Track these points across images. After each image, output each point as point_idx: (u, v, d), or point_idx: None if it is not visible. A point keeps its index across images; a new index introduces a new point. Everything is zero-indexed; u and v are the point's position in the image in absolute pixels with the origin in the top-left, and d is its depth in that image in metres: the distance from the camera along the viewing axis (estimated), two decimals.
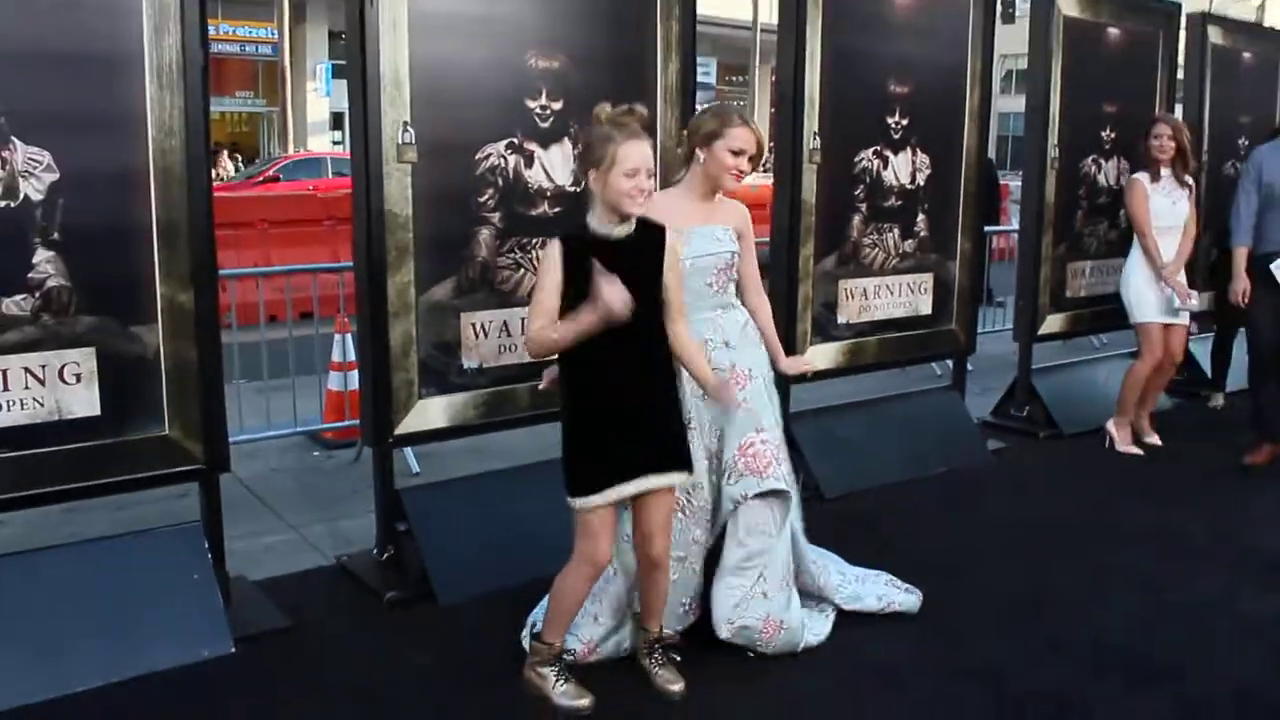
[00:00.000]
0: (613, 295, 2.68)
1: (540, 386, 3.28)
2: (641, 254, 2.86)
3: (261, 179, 17.12)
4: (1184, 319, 5.43)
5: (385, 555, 3.88)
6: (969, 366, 5.86)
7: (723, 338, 3.21)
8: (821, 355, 4.88)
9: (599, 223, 2.85)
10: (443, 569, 3.70)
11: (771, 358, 3.34)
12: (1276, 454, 5.19)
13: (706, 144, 3.18)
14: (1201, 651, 3.40)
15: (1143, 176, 5.39)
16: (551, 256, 2.81)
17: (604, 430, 2.86)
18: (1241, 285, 5.18)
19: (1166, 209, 5.36)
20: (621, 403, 2.85)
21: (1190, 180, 5.46)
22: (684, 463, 2.96)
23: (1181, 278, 5.33)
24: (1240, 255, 5.20)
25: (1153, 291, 5.34)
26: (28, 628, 3.12)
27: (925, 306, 5.28)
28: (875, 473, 4.92)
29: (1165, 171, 5.38)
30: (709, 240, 3.19)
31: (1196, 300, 5.44)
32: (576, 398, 2.90)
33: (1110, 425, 5.54)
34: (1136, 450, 5.46)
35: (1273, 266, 5.06)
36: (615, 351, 2.81)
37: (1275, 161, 5.16)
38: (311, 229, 10.17)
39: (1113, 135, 5.99)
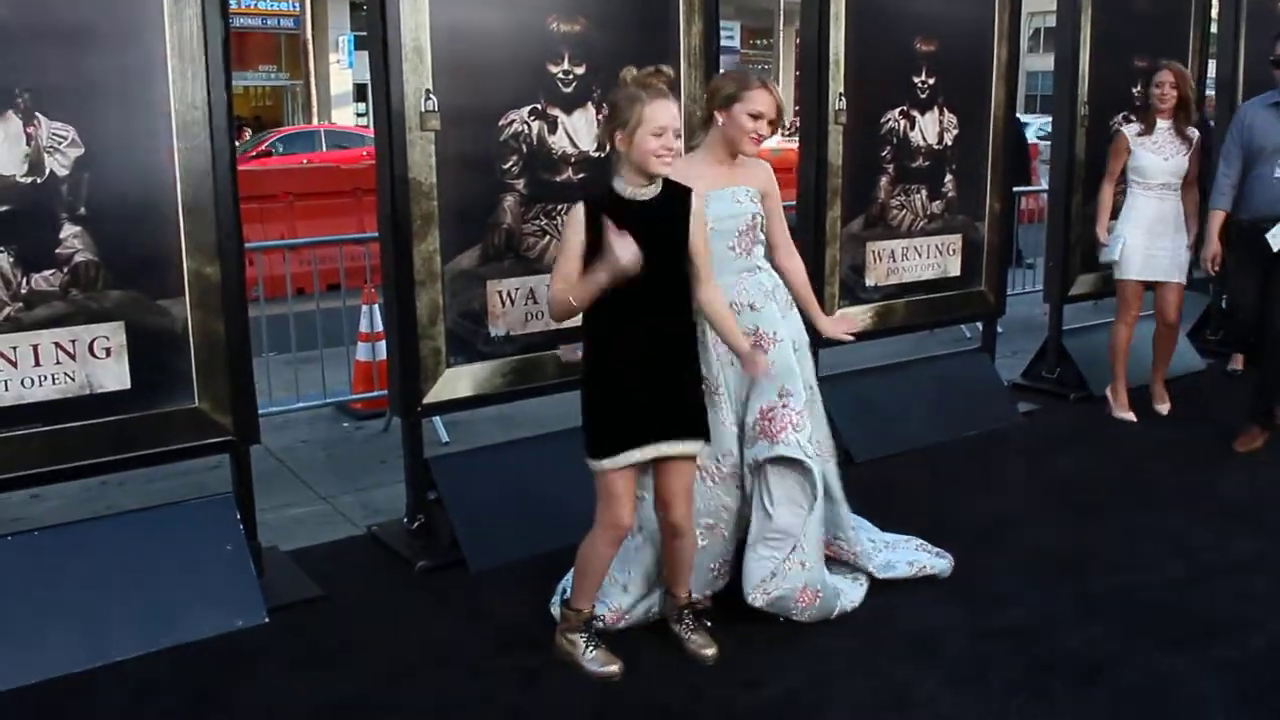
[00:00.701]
0: (622, 249, 2.68)
1: (562, 359, 3.28)
2: (667, 216, 2.86)
3: (255, 153, 17.14)
4: (1177, 277, 5.13)
5: (416, 524, 3.90)
6: (999, 329, 5.80)
7: (747, 300, 3.19)
8: (852, 316, 4.82)
9: (625, 185, 2.85)
10: (473, 537, 3.72)
11: (810, 319, 3.32)
12: (1265, 438, 4.86)
13: (725, 107, 3.15)
14: (1237, 612, 3.36)
15: (1129, 129, 5.13)
16: (575, 218, 2.82)
17: (622, 393, 2.86)
18: (1211, 251, 4.82)
19: (1155, 166, 5.04)
20: (641, 367, 2.85)
21: (1194, 133, 5.15)
22: (701, 432, 2.96)
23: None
24: (1215, 219, 4.82)
25: (1134, 249, 5.10)
26: (67, 599, 3.16)
27: (954, 268, 5.23)
28: (905, 436, 4.90)
29: (1163, 123, 5.07)
30: (729, 203, 3.17)
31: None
32: (597, 359, 2.90)
33: (1107, 390, 5.43)
34: (1130, 416, 5.27)
35: (1270, 235, 4.65)
36: (637, 314, 2.81)
37: (1262, 119, 4.75)
38: (337, 200, 10.21)
39: (1144, 91, 5.88)
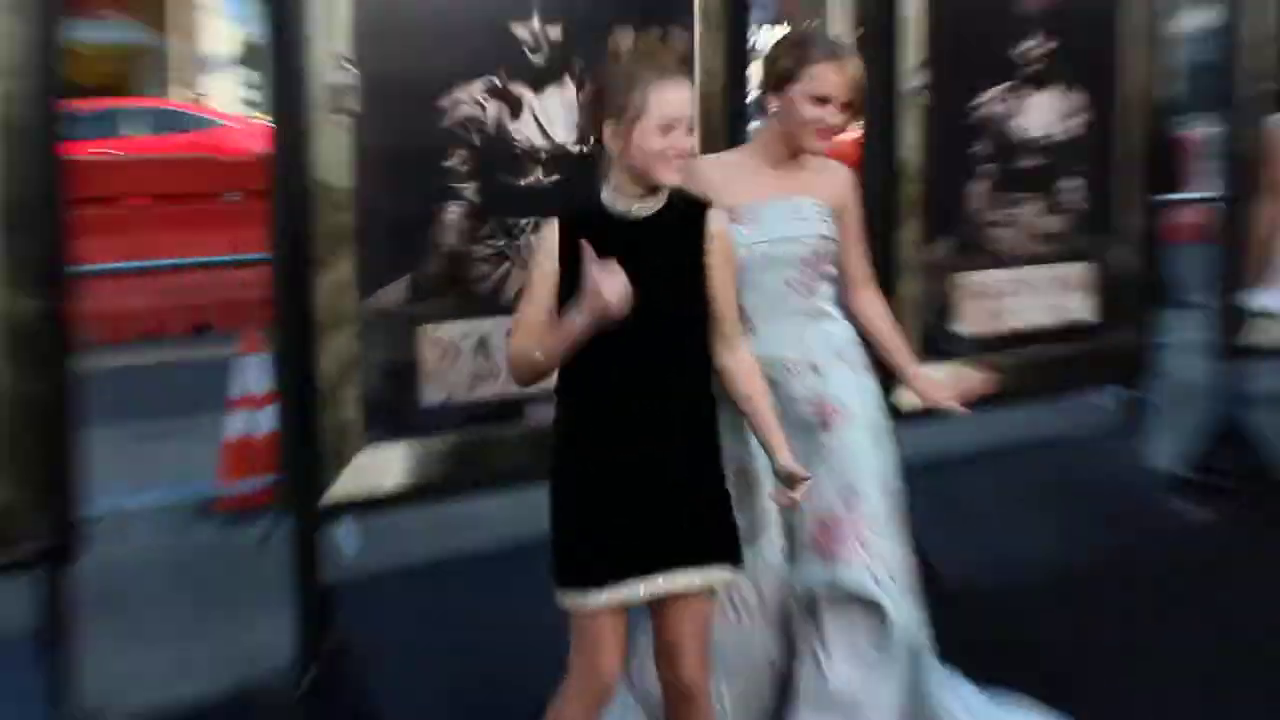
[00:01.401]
0: (606, 284, 2.69)
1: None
2: (673, 242, 2.88)
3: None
4: None
5: (307, 682, 3.81)
6: (1149, 396, 5.77)
7: (808, 359, 3.22)
8: (969, 379, 4.81)
9: (615, 196, 2.87)
10: (394, 703, 3.67)
11: (902, 377, 3.37)
12: None
13: (780, 89, 3.21)
14: None
15: None
16: (545, 243, 2.85)
17: (606, 499, 2.85)
18: None
19: None
20: (634, 461, 2.84)
21: None
22: (726, 553, 2.93)
23: None
24: None
25: None
26: None
27: (1082, 310, 5.24)
28: (1014, 552, 4.91)
29: None
30: (788, 219, 3.20)
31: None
32: (569, 446, 2.91)
33: None
34: None
35: None
36: (628, 382, 2.82)
37: None
38: (208, 206, 10.26)
39: None
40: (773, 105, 3.21)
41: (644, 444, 2.85)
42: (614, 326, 2.73)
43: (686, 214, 2.91)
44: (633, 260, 2.75)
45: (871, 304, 3.40)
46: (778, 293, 3.19)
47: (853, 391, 3.22)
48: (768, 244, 3.15)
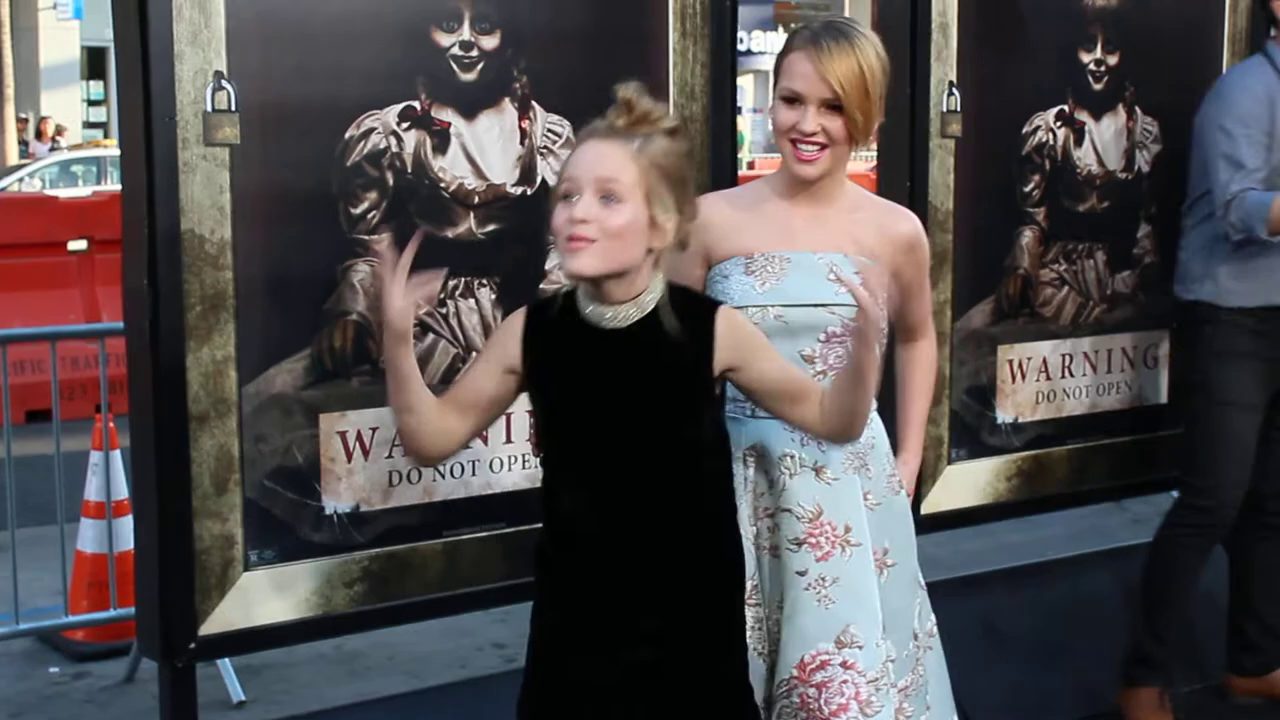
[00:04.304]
0: (392, 284, 2.81)
1: None
2: (661, 363, 2.87)
3: None
4: None
5: None
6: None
7: (814, 460, 3.20)
8: (969, 480, 4.85)
9: (586, 300, 2.89)
10: None
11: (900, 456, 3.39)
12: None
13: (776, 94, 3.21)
14: None
15: None
16: (504, 333, 2.94)
17: (559, 661, 2.92)
18: None
19: None
20: (607, 669, 2.88)
21: None
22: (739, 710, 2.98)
23: None
24: None
25: None
26: None
27: (1156, 390, 5.27)
28: (1072, 698, 4.89)
29: None
30: (814, 279, 3.17)
31: None
32: (538, 580, 2.98)
33: None
34: None
35: None
36: (592, 536, 2.87)
37: None
38: (50, 259, 10.28)
39: None
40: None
41: (623, 649, 2.87)
42: (576, 458, 2.83)
43: (683, 320, 2.88)
44: (608, 382, 2.82)
45: (914, 350, 3.43)
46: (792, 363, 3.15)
47: (861, 511, 3.20)
48: (783, 308, 3.15)
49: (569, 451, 2.91)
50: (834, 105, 3.10)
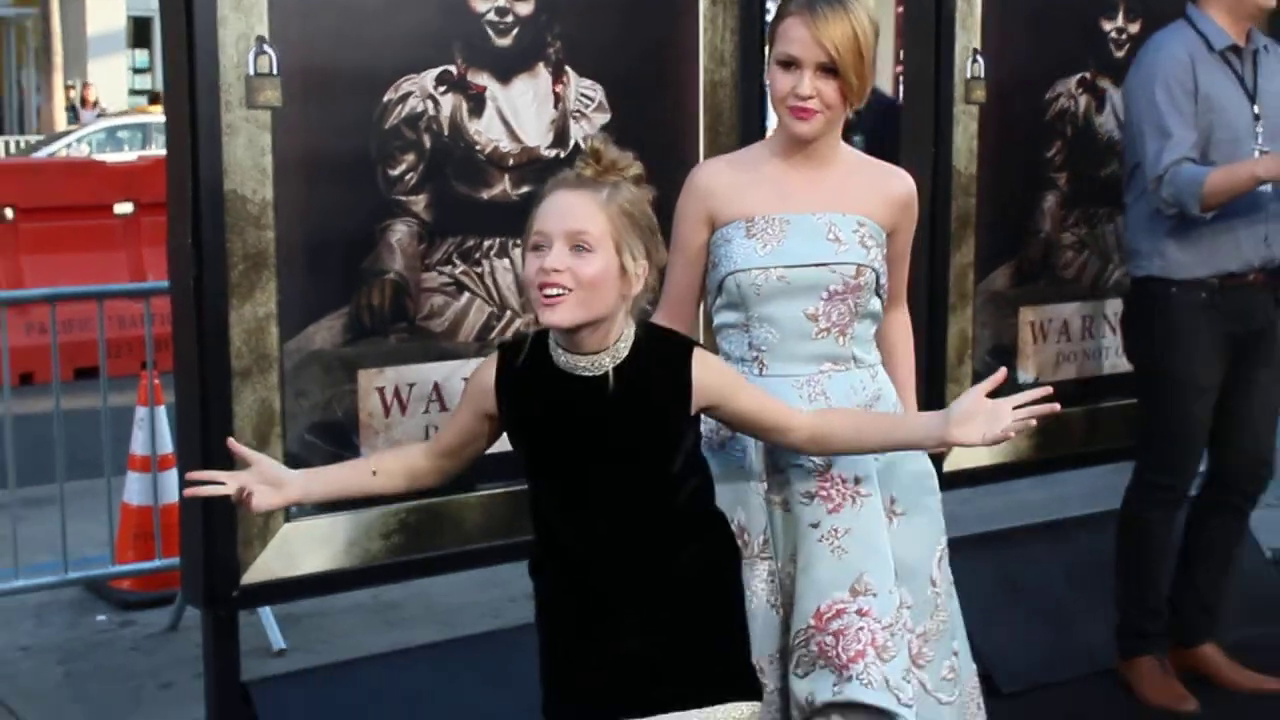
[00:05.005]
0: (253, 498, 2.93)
1: None
2: (637, 405, 2.86)
3: None
4: None
5: None
6: None
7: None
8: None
9: (560, 347, 2.88)
10: None
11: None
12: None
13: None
14: None
15: None
16: (477, 383, 2.96)
17: (584, 640, 2.92)
18: None
19: None
20: (604, 644, 2.91)
21: None
22: (738, 685, 2.99)
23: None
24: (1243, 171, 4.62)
25: None
26: None
27: None
28: (1090, 648, 4.90)
29: None
30: (815, 239, 3.18)
31: None
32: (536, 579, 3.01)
33: None
34: None
35: None
36: (578, 571, 2.91)
37: (1212, 73, 4.67)
38: (97, 222, 10.30)
39: None
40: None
41: (619, 659, 2.89)
42: (553, 497, 2.89)
43: (658, 364, 2.88)
44: (578, 427, 2.84)
45: (891, 325, 3.40)
46: (795, 329, 3.17)
47: (869, 463, 3.18)
48: (785, 269, 3.13)
49: (550, 487, 2.92)
50: (829, 69, 3.08)
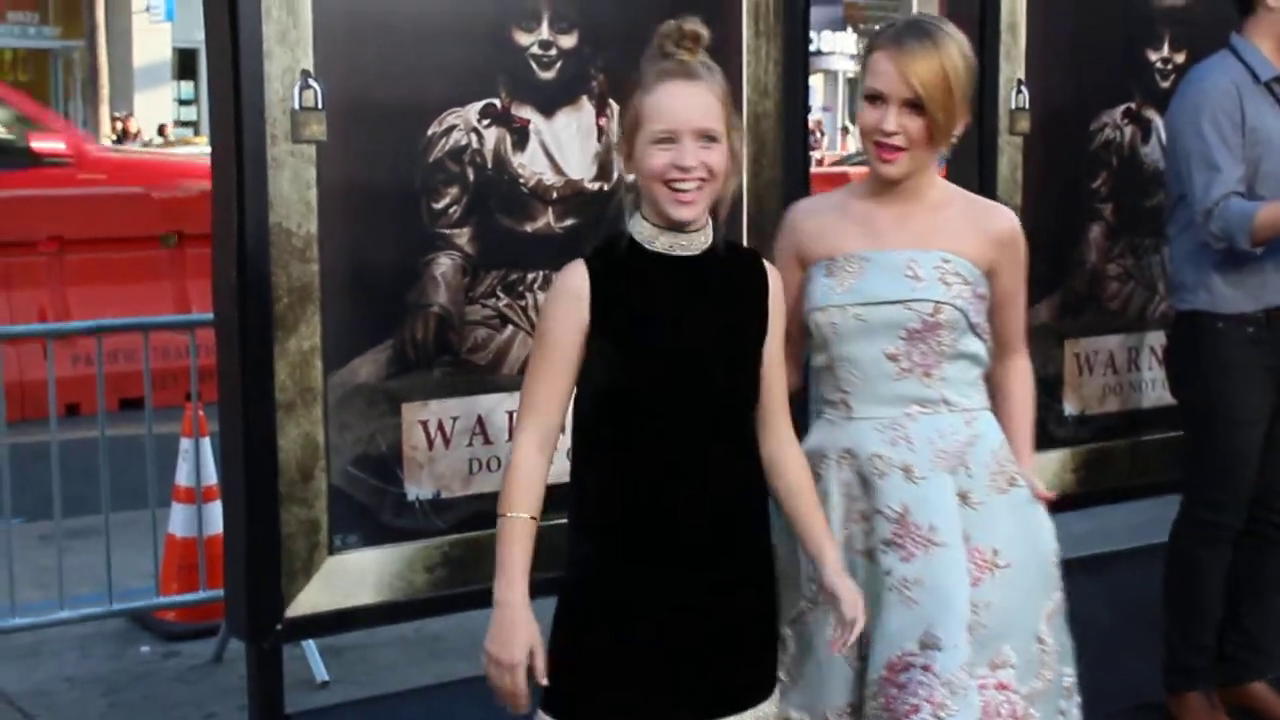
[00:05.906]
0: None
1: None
2: (732, 290, 2.90)
3: None
4: None
5: None
6: None
7: (902, 460, 3.13)
8: (1036, 472, 4.73)
9: (645, 227, 2.87)
10: None
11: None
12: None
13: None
14: None
15: None
16: (563, 293, 2.87)
17: (619, 618, 2.88)
18: None
19: None
20: (663, 564, 2.86)
21: None
22: (767, 685, 3.00)
23: None
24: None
25: None
26: None
27: None
28: (1137, 683, 4.86)
29: None
30: (892, 277, 3.13)
31: None
32: (583, 548, 2.97)
33: None
34: None
35: None
36: (676, 474, 2.84)
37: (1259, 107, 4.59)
38: (141, 253, 10.36)
39: None
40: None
41: (695, 562, 2.86)
42: (658, 405, 2.80)
43: (737, 263, 2.93)
44: (680, 308, 2.82)
45: (1008, 372, 3.35)
46: (876, 370, 3.13)
47: (950, 513, 3.10)
48: (861, 306, 3.09)
49: (647, 382, 2.85)
50: (915, 105, 3.04)
